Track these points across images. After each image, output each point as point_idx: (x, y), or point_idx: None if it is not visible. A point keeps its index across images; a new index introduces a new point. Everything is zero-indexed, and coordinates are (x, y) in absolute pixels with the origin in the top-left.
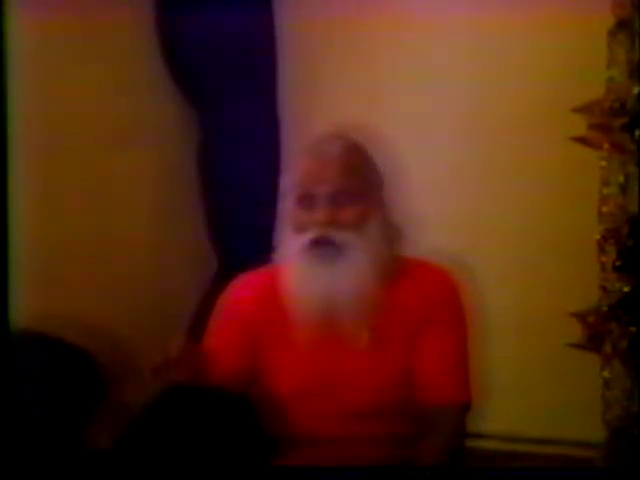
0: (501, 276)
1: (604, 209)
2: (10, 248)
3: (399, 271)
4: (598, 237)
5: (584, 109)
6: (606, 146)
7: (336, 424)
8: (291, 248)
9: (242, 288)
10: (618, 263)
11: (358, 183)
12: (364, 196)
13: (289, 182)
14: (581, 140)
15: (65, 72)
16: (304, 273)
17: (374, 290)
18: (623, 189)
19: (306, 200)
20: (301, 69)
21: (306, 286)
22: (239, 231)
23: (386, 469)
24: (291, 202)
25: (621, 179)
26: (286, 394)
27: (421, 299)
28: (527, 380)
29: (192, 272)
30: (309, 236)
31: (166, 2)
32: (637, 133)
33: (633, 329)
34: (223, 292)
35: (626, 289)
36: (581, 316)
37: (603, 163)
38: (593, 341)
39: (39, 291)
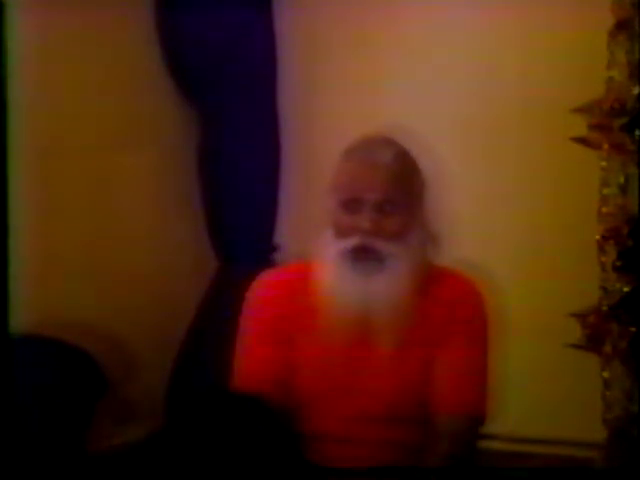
0: (501, 276)
1: (604, 209)
2: (10, 248)
3: (430, 279)
4: (598, 237)
5: (584, 109)
6: (606, 146)
7: (353, 426)
8: (331, 251)
9: (269, 287)
10: (618, 263)
11: (404, 192)
12: (408, 205)
13: (334, 182)
14: (581, 140)
15: (65, 72)
16: (343, 279)
17: (408, 300)
18: (623, 189)
19: (351, 204)
20: (301, 69)
21: (343, 293)
22: (239, 230)
23: (390, 470)
24: (335, 203)
25: (621, 179)
26: (307, 393)
27: (448, 310)
28: (527, 380)
29: (192, 271)
30: (352, 243)
31: (166, 2)
32: (637, 133)
33: (633, 329)
34: (248, 292)
35: (626, 289)
36: (581, 316)
37: (603, 163)
38: (593, 341)
39: (39, 291)
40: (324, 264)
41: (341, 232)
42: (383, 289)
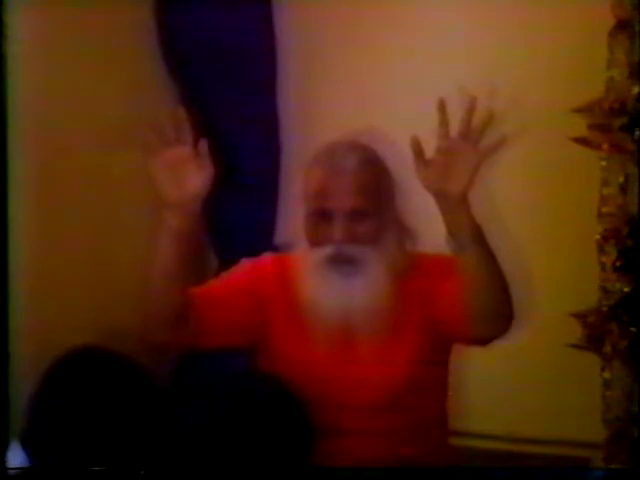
0: None
1: (604, 209)
2: (9, 248)
3: (411, 267)
4: (598, 237)
5: (584, 109)
6: (606, 146)
7: (343, 416)
8: (308, 260)
9: (270, 269)
10: (618, 263)
11: (373, 197)
12: (379, 208)
13: (303, 190)
14: (581, 140)
15: (65, 72)
16: (321, 287)
17: (390, 298)
18: (623, 189)
19: (322, 214)
20: (301, 69)
21: (323, 300)
22: (239, 230)
23: (388, 470)
24: (306, 212)
25: (621, 179)
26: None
27: (429, 282)
28: (527, 380)
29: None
30: (326, 252)
31: (166, 2)
32: (637, 133)
33: (633, 329)
34: (255, 257)
35: (626, 289)
36: (581, 316)
37: (603, 163)
38: (593, 341)
39: (38, 291)
40: (303, 273)
41: (315, 242)
42: (361, 292)
